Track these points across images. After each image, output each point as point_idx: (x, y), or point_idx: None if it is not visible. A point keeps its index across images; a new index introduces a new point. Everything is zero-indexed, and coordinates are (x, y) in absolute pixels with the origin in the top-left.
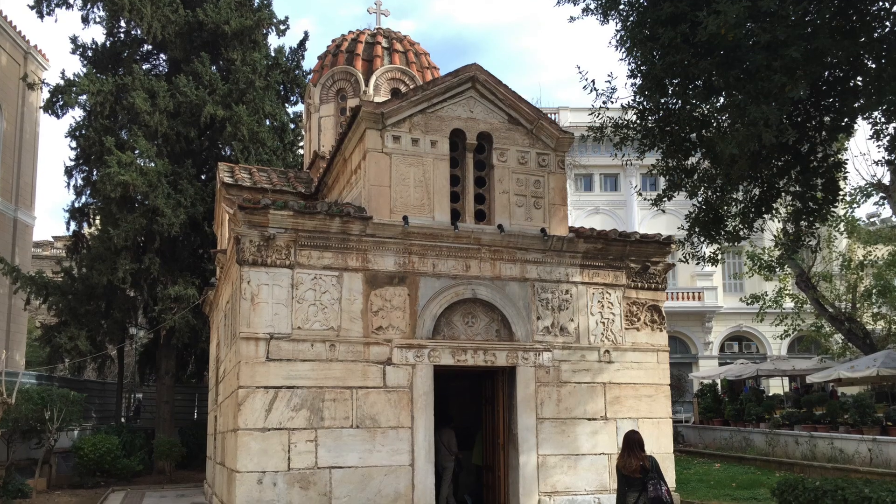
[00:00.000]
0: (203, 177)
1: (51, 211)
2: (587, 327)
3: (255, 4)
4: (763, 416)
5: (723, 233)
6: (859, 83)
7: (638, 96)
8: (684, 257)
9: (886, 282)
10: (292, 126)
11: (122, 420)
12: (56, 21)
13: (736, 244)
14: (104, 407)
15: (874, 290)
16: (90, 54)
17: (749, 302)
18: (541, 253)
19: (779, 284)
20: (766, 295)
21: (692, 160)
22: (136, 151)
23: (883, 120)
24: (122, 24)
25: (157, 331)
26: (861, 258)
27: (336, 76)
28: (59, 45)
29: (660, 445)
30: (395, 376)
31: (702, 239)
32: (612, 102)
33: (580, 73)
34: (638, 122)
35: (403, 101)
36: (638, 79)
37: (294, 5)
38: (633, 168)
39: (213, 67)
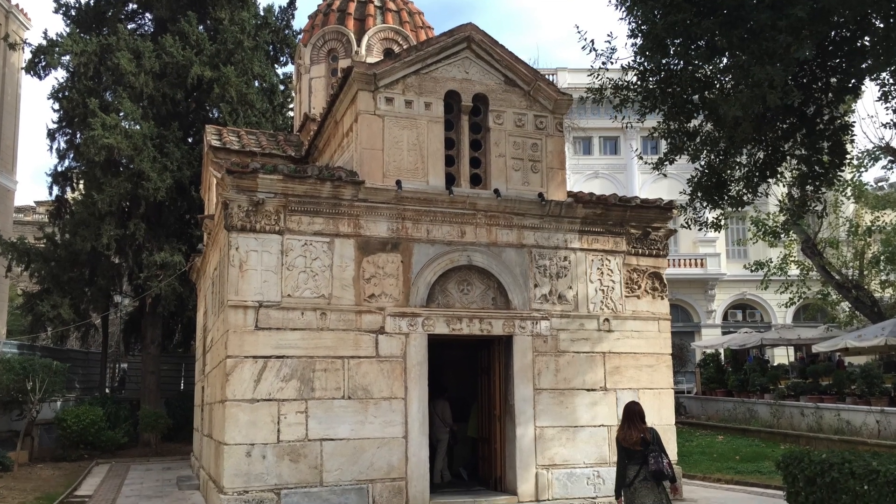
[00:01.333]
0: (190, 140)
1: (33, 175)
2: (586, 295)
3: None
4: (767, 387)
5: (726, 197)
6: (867, 43)
7: (639, 57)
8: (686, 223)
9: (895, 248)
10: (282, 88)
11: (107, 391)
12: None
13: (740, 209)
14: (88, 377)
15: (882, 257)
16: (73, 13)
17: (753, 269)
18: (538, 218)
19: (784, 251)
20: (771, 262)
21: (694, 123)
22: (121, 114)
23: (891, 81)
24: None
25: (143, 299)
26: (869, 224)
27: (327, 36)
28: (42, 3)
29: (661, 417)
30: (388, 346)
31: (704, 204)
32: (611, 63)
33: (579, 32)
34: (638, 83)
35: (396, 61)
36: (639, 39)
37: None
38: (633, 131)
39: (201, 27)
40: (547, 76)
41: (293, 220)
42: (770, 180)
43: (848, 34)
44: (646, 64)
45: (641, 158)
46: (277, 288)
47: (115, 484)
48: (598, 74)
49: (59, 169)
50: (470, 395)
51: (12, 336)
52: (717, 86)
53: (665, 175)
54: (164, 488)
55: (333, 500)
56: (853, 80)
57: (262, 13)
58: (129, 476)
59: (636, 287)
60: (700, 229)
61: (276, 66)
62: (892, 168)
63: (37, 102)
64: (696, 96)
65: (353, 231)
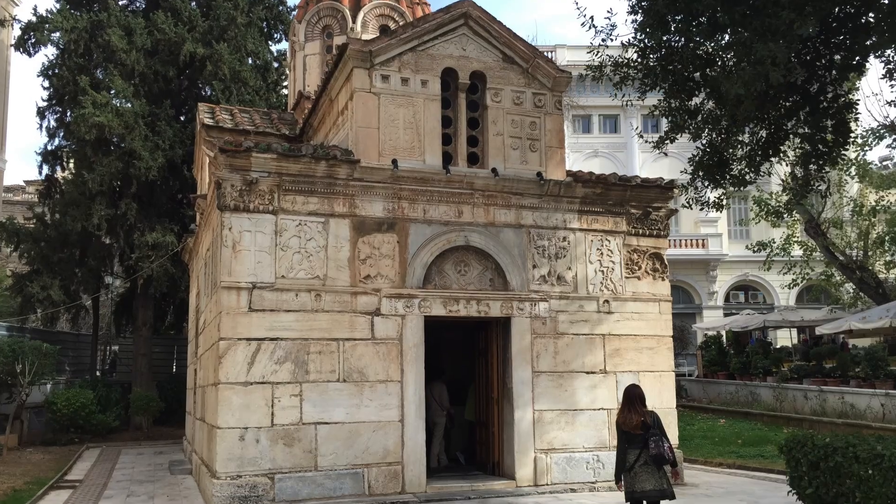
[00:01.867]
0: (182, 118)
1: (22, 154)
2: (585, 276)
3: None
4: (770, 370)
5: (728, 177)
6: (871, 19)
7: (639, 33)
8: (688, 202)
9: None
10: (276, 65)
11: (98, 374)
12: None
13: (742, 189)
14: (78, 360)
15: (887, 237)
16: None
17: (756, 249)
18: (537, 198)
19: (787, 231)
20: (774, 242)
21: (696, 100)
22: (112, 91)
23: None
24: None
25: (134, 280)
26: (873, 203)
27: (322, 12)
28: None
29: (662, 400)
30: (384, 327)
31: (706, 183)
32: (611, 40)
33: (578, 9)
34: (639, 60)
35: (392, 38)
36: (639, 15)
37: None
38: (633, 109)
39: (193, 3)
40: (545, 53)
41: (287, 199)
42: (773, 159)
43: (852, 10)
44: (646, 41)
45: (642, 137)
46: (271, 269)
47: (105, 468)
48: (598, 51)
49: (49, 148)
50: (467, 378)
51: (1, 318)
52: (719, 63)
53: (666, 154)
54: (155, 473)
55: (328, 485)
56: (857, 57)
57: None
58: (120, 460)
59: (636, 268)
60: (701, 209)
61: (269, 42)
62: None
63: (26, 80)
64: (698, 74)
65: (349, 211)
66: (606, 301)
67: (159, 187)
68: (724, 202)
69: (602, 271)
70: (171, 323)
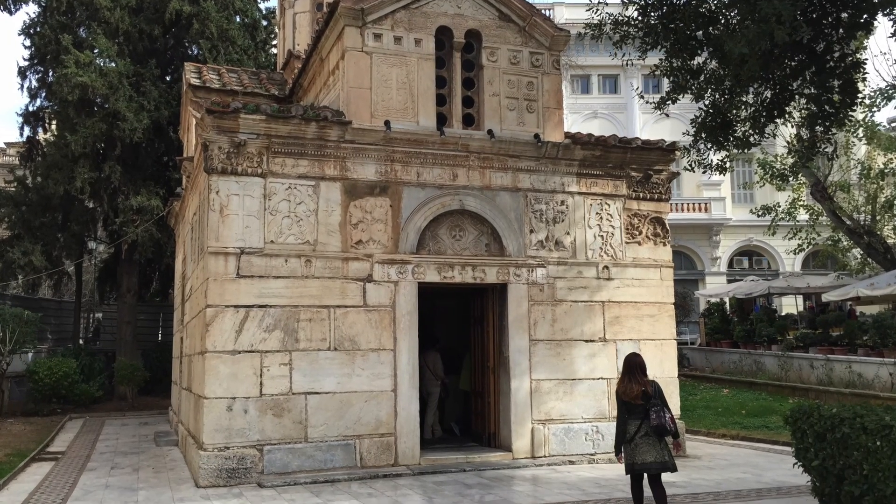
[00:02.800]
0: (168, 78)
1: (3, 115)
2: (584, 241)
3: None
4: (775, 338)
5: (731, 138)
6: None
7: None
8: (690, 165)
9: None
10: (265, 23)
11: (81, 342)
12: None
13: (746, 151)
14: (61, 328)
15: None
16: None
17: (760, 214)
18: (534, 160)
19: (792, 195)
20: (779, 206)
21: (698, 60)
22: (96, 50)
23: None
24: None
25: (119, 245)
26: (881, 166)
27: None
28: None
29: (663, 369)
30: (377, 294)
31: (709, 145)
32: None
33: None
34: (639, 18)
35: None
36: None
37: None
38: (634, 69)
39: None
40: (543, 11)
41: (276, 162)
42: (778, 120)
43: None
44: None
45: (642, 98)
46: (260, 234)
47: (89, 440)
48: (597, 9)
49: (31, 109)
50: (462, 347)
51: None
52: (723, 21)
53: (667, 115)
54: (140, 444)
55: (319, 457)
56: (865, 15)
57: None
58: (103, 431)
59: (637, 233)
60: (704, 172)
61: (258, 0)
62: None
63: (7, 39)
64: (701, 32)
65: (340, 174)
66: (606, 267)
67: (144, 150)
68: (728, 165)
69: (601, 236)
70: (157, 290)
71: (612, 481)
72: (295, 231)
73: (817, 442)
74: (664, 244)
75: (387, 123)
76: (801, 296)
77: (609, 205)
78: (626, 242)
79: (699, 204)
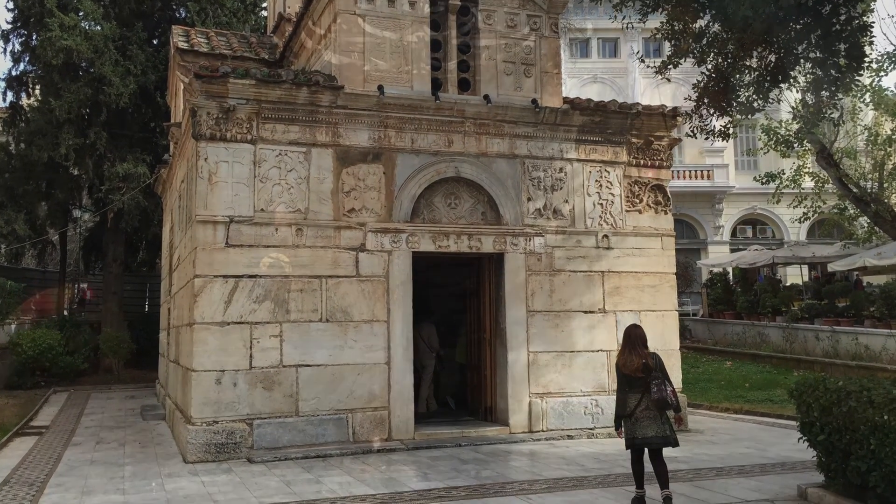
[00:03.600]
0: (155, 42)
1: None
2: (583, 209)
3: None
4: (779, 309)
5: (735, 104)
6: None
7: None
8: (692, 131)
9: None
10: None
11: (65, 313)
12: None
13: (749, 117)
14: (45, 298)
15: None
16: None
17: (764, 181)
18: (532, 126)
19: (797, 162)
20: (783, 173)
21: (701, 23)
22: (81, 13)
23: None
24: None
25: (104, 213)
26: (889, 132)
27: None
28: None
29: (664, 341)
30: (370, 264)
31: (711, 111)
32: None
33: None
34: None
35: None
36: None
37: None
38: (634, 32)
39: None
40: None
41: (267, 128)
42: (782, 85)
43: None
44: None
45: (643, 62)
46: (250, 202)
47: (73, 413)
48: None
49: (14, 73)
50: (458, 319)
51: None
52: None
53: (669, 80)
54: (126, 418)
55: (310, 432)
56: None
57: None
58: (89, 405)
59: (637, 201)
60: (707, 138)
61: None
62: None
63: None
64: None
65: (332, 140)
66: (606, 236)
67: (131, 115)
68: (731, 131)
69: (601, 204)
70: (144, 259)
71: (612, 456)
72: (286, 199)
73: (823, 416)
74: (665, 212)
75: (380, 88)
76: (807, 266)
77: (609, 172)
78: (627, 211)
79: (701, 171)
